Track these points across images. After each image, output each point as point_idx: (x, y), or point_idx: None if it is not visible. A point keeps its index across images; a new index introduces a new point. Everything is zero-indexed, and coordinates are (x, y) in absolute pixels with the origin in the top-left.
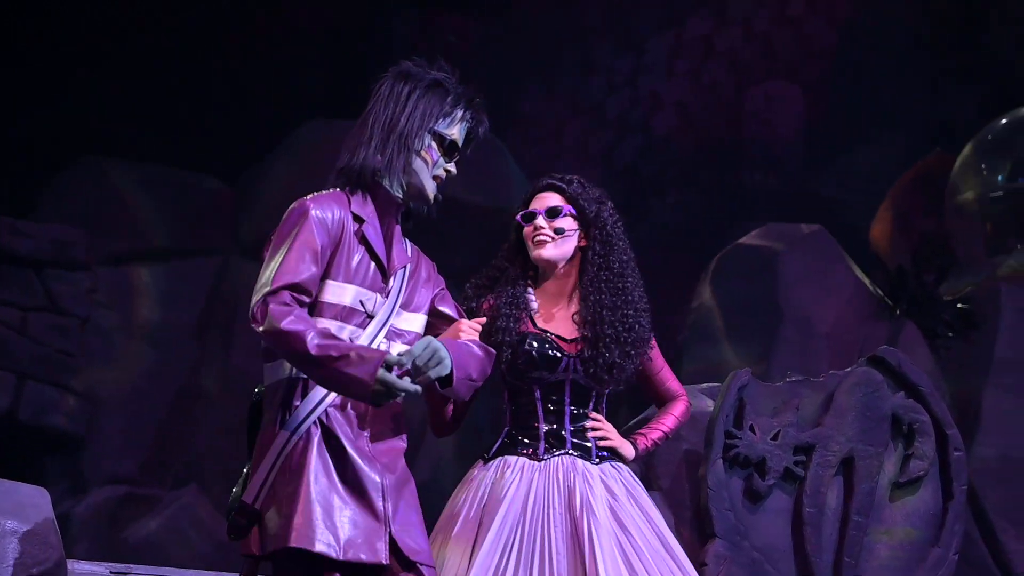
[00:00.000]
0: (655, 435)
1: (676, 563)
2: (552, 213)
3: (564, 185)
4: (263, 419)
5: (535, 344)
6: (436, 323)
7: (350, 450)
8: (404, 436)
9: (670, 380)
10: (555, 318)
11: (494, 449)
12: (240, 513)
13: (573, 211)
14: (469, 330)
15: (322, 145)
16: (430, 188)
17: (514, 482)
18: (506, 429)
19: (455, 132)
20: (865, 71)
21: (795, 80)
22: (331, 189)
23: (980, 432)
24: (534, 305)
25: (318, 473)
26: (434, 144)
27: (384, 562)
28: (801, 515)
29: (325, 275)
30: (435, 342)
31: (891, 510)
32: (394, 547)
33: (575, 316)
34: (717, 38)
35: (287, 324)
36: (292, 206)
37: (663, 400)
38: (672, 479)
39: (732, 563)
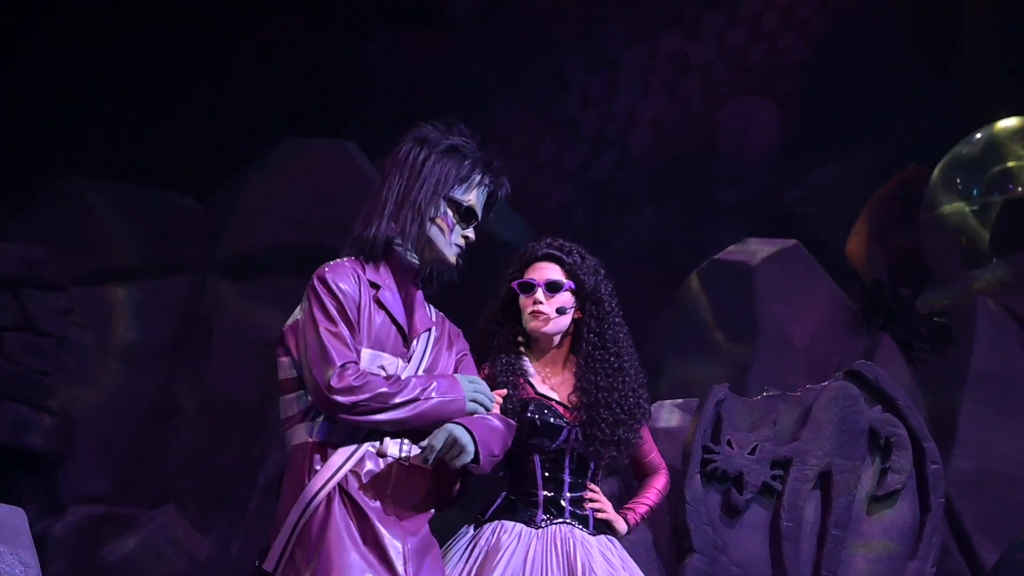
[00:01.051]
0: (642, 510)
1: None
2: (552, 288)
3: (564, 256)
4: (283, 485)
5: (537, 411)
6: None
7: (370, 514)
8: (430, 500)
9: (653, 453)
10: (553, 385)
11: (490, 512)
12: None
13: (572, 285)
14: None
15: (297, 163)
16: (450, 255)
17: (511, 547)
18: (503, 494)
19: (472, 198)
20: (839, 86)
21: (769, 95)
22: (344, 259)
23: (957, 445)
24: (532, 371)
25: (339, 538)
26: (449, 211)
27: None
28: (779, 529)
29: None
30: (455, 430)
31: (869, 523)
32: None
33: (573, 384)
34: (691, 53)
35: (371, 387)
36: (312, 281)
37: (645, 474)
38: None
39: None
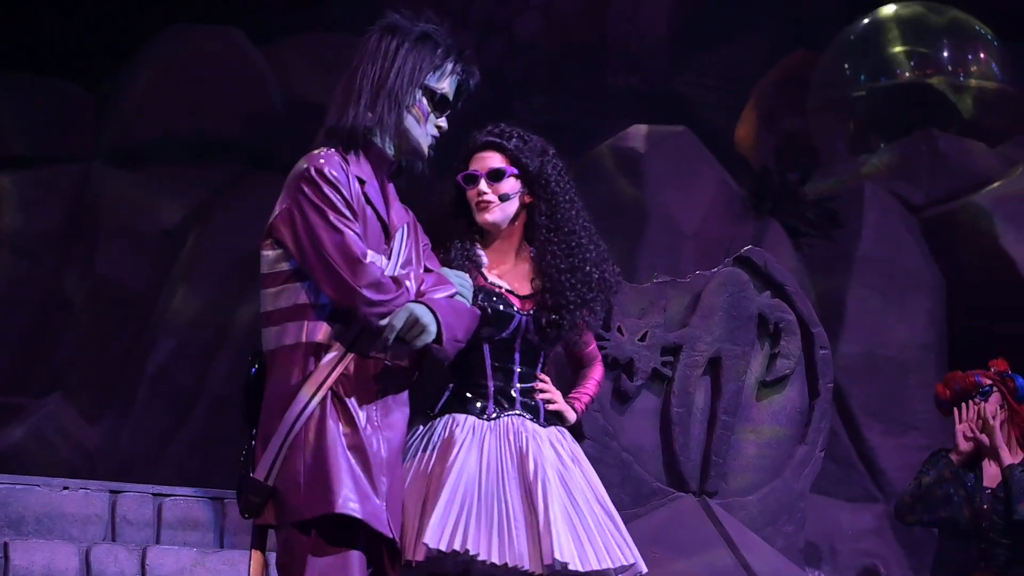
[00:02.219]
0: (585, 399)
1: (619, 533)
2: (495, 176)
3: (505, 142)
4: (268, 388)
5: (487, 300)
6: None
7: (357, 419)
8: (407, 407)
9: (592, 344)
10: (506, 273)
11: (440, 405)
12: (253, 492)
13: (516, 171)
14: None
15: (184, 51)
16: (425, 144)
17: (465, 441)
18: (451, 385)
19: (445, 86)
20: None
21: None
22: (323, 149)
23: (845, 330)
24: (484, 260)
25: (333, 445)
26: (424, 99)
27: (395, 537)
28: (669, 415)
29: None
30: (416, 308)
31: (758, 409)
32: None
33: (528, 273)
34: None
35: (391, 287)
36: (303, 169)
37: (581, 364)
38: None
39: (601, 464)
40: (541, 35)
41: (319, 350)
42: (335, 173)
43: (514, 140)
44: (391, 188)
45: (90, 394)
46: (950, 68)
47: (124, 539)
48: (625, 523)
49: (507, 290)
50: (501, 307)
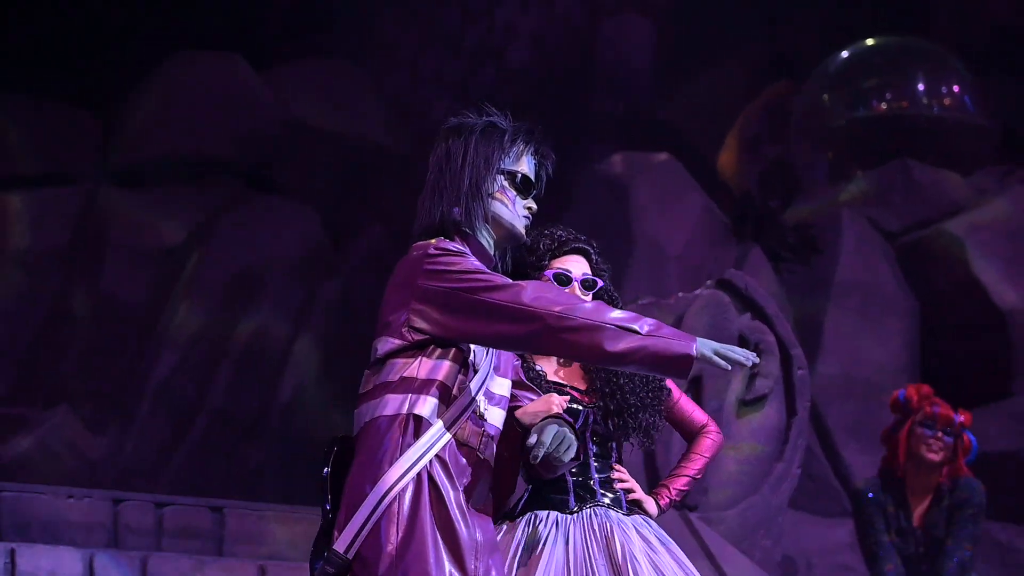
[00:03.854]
0: (679, 485)
1: None
2: (588, 286)
3: (592, 252)
4: (359, 457)
5: (556, 393)
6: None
7: (450, 506)
8: (491, 496)
9: (691, 411)
10: (563, 368)
11: (520, 506)
12: (330, 563)
13: (601, 284)
14: (558, 407)
15: (187, 76)
16: (519, 225)
17: (550, 535)
18: (529, 488)
19: (524, 167)
20: (714, 2)
21: (645, 11)
22: (425, 240)
23: (822, 351)
24: (539, 366)
25: (427, 524)
26: (506, 183)
27: None
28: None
29: None
30: (560, 427)
31: (738, 426)
32: None
33: (582, 373)
34: None
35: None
36: (420, 253)
37: (688, 432)
38: None
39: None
40: (531, 63)
41: (420, 425)
42: (458, 246)
43: (596, 250)
44: None
45: (94, 406)
46: (924, 100)
47: (126, 546)
48: None
49: (571, 387)
50: (571, 402)
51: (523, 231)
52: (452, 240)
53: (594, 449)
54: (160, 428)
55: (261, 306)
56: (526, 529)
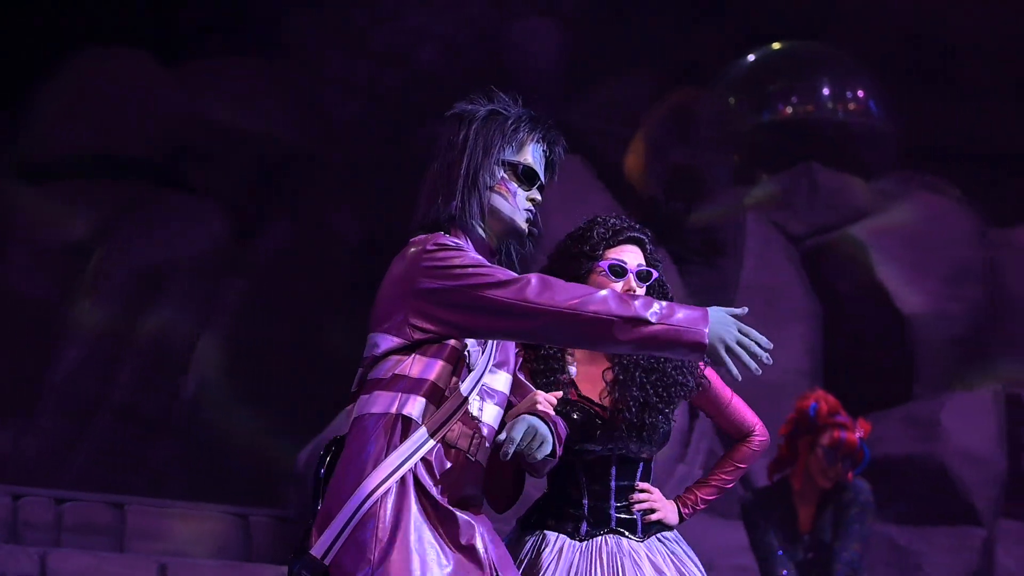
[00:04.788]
0: (705, 494)
1: None
2: (643, 277)
3: (647, 241)
4: (343, 457)
5: (581, 415)
6: (515, 391)
7: (442, 503)
8: (481, 497)
9: (741, 411)
10: (594, 387)
11: (533, 518)
12: (306, 567)
13: (656, 275)
14: (546, 404)
15: (96, 71)
16: (520, 219)
17: (550, 566)
18: (546, 498)
19: (527, 157)
20: (622, 6)
21: (554, 14)
22: (423, 235)
23: None
24: (572, 370)
25: (415, 527)
26: (507, 175)
27: None
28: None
29: None
30: (533, 422)
31: None
32: None
33: (612, 384)
34: None
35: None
36: (417, 250)
37: (734, 434)
38: None
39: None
40: (439, 65)
41: (408, 426)
42: (456, 241)
43: (650, 238)
44: None
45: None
46: (830, 105)
47: (25, 541)
48: None
49: (599, 406)
50: (593, 422)
51: (524, 225)
52: (450, 234)
53: (616, 471)
54: (62, 424)
55: (166, 303)
56: (530, 552)
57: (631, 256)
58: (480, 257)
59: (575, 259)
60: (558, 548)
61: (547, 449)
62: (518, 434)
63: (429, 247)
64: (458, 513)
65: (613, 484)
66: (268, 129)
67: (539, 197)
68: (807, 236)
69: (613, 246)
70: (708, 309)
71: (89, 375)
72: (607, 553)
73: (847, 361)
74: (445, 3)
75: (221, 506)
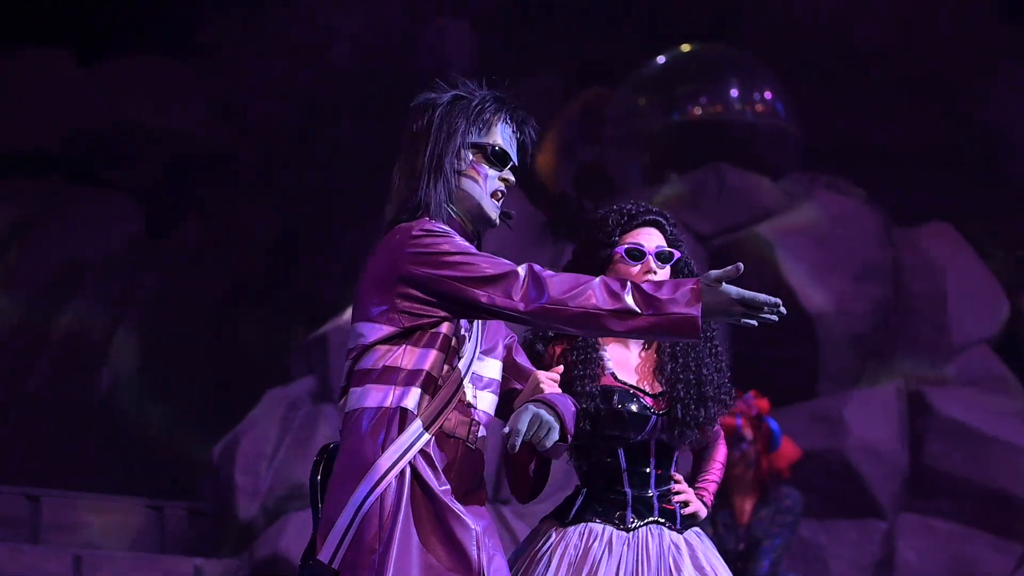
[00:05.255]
0: (712, 488)
1: None
2: (663, 258)
3: (666, 223)
4: (340, 455)
5: (623, 401)
6: (513, 376)
7: (441, 496)
8: (484, 484)
9: (716, 424)
10: (631, 370)
11: (573, 512)
12: (315, 573)
13: (678, 255)
14: (549, 383)
15: (11, 68)
16: (489, 207)
17: (602, 557)
18: (584, 491)
19: (496, 138)
20: (530, 8)
21: (465, 16)
22: (408, 221)
23: None
24: (607, 354)
25: (412, 522)
26: (475, 157)
27: None
28: None
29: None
30: (537, 410)
31: None
32: None
33: (652, 367)
34: None
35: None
36: (403, 234)
37: (703, 444)
38: None
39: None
40: (352, 63)
41: (405, 419)
42: (443, 226)
43: (671, 223)
44: None
45: None
46: (738, 106)
47: None
48: None
49: (639, 389)
50: (635, 408)
51: (493, 213)
52: (433, 220)
53: (655, 460)
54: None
55: (82, 298)
56: (579, 544)
57: (649, 238)
58: (466, 243)
59: (594, 247)
60: (607, 540)
61: (555, 436)
62: (523, 425)
63: (415, 232)
64: (458, 510)
65: (652, 472)
66: (183, 127)
67: (512, 178)
68: (715, 235)
69: (630, 230)
70: (700, 287)
71: (5, 369)
72: (655, 545)
73: (753, 358)
74: (359, 4)
75: (136, 498)
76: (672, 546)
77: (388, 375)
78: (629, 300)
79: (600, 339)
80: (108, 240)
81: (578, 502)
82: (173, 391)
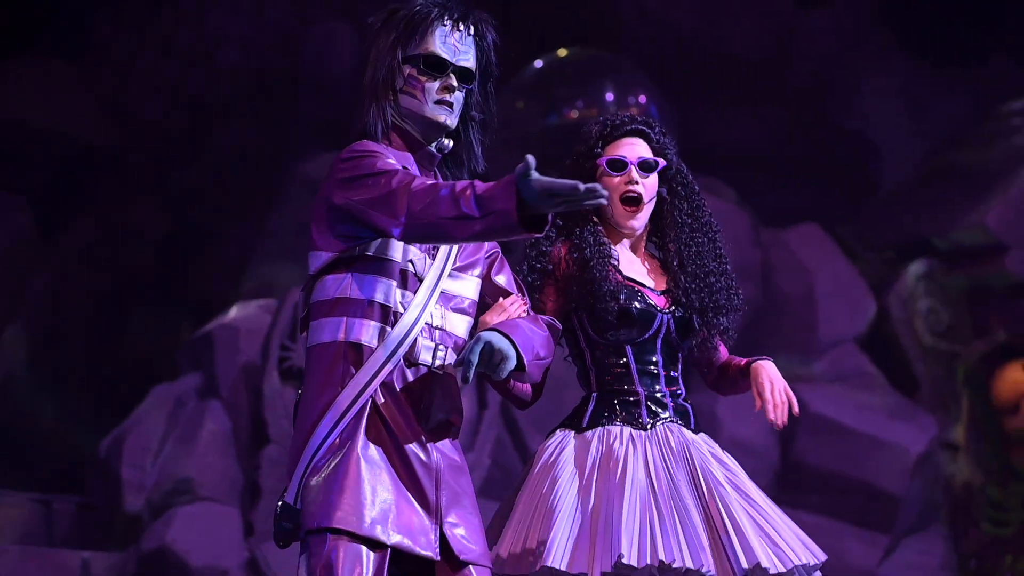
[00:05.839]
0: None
1: (800, 530)
2: (646, 167)
3: (651, 132)
4: (302, 395)
5: (629, 298)
6: (490, 295)
7: (401, 432)
8: (460, 419)
9: (721, 347)
10: (636, 269)
11: (587, 418)
12: (285, 517)
13: (664, 164)
14: (515, 309)
15: None
16: (432, 112)
17: (627, 454)
18: (595, 395)
19: (429, 46)
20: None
21: (351, 19)
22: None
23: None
24: (615, 253)
25: (368, 453)
26: (413, 71)
27: (435, 557)
28: None
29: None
30: (489, 338)
31: None
32: (444, 544)
33: (658, 269)
34: None
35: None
36: (339, 156)
37: (713, 365)
38: (231, 390)
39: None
40: (240, 65)
41: (360, 352)
42: (371, 146)
43: (658, 131)
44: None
45: None
46: (613, 109)
47: None
48: None
49: (646, 286)
50: (642, 305)
51: (442, 116)
52: (387, 137)
53: (662, 359)
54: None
55: None
56: (600, 446)
57: (631, 149)
58: (392, 162)
59: (579, 159)
60: (627, 438)
61: (509, 366)
62: (474, 355)
63: (343, 155)
64: (415, 447)
65: (661, 371)
66: (72, 127)
67: (454, 82)
68: None
69: (612, 141)
70: (515, 179)
71: None
72: (675, 439)
73: None
74: (246, 6)
75: (24, 493)
76: (692, 441)
77: (339, 306)
78: (464, 205)
79: (606, 235)
80: None
81: (590, 407)
82: (62, 387)
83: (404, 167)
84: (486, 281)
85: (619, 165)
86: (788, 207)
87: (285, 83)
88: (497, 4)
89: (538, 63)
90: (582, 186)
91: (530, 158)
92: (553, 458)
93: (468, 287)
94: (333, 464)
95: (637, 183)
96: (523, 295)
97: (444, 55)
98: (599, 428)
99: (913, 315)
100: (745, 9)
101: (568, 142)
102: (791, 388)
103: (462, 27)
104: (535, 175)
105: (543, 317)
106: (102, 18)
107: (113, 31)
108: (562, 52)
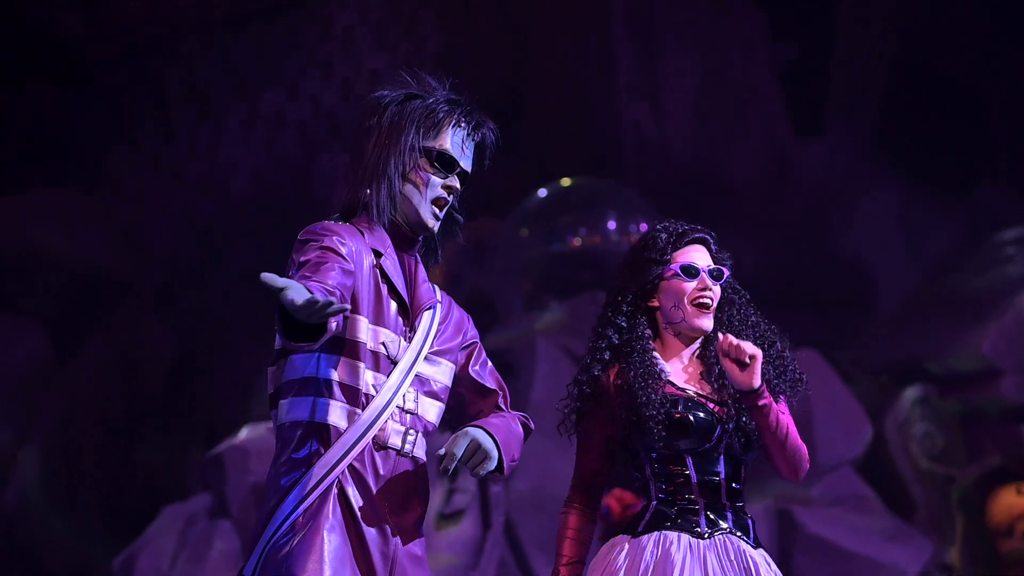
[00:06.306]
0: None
1: None
2: (716, 276)
3: (712, 241)
4: (268, 477)
5: (690, 410)
6: (466, 388)
7: (365, 517)
8: (424, 507)
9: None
10: (691, 378)
11: (643, 524)
12: None
13: (728, 273)
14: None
15: None
16: (426, 213)
17: (685, 560)
18: (653, 504)
19: (444, 143)
20: None
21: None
22: (335, 222)
23: (518, 468)
24: (665, 366)
25: (331, 535)
26: (422, 162)
27: None
28: None
29: (355, 310)
30: (476, 435)
31: (437, 538)
32: None
33: (710, 375)
34: (288, 111)
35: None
36: (301, 234)
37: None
38: (241, 510)
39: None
40: (251, 195)
41: (327, 434)
42: (334, 231)
43: (713, 238)
44: (420, 270)
45: None
46: (615, 237)
47: None
48: None
49: (703, 396)
50: (702, 415)
51: (430, 216)
52: (366, 221)
53: (724, 469)
54: None
55: None
56: (655, 551)
57: (700, 256)
58: (331, 244)
59: (645, 266)
60: (684, 545)
61: (491, 465)
62: (460, 450)
63: (300, 236)
64: (373, 531)
65: (723, 482)
66: (88, 254)
67: (457, 184)
68: None
69: (679, 248)
70: (288, 300)
71: None
72: (735, 553)
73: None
74: (258, 140)
75: None
76: (751, 557)
77: (308, 386)
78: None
79: (655, 350)
80: (14, 361)
81: (647, 516)
82: (75, 506)
83: (334, 250)
84: (462, 372)
85: (692, 272)
86: (787, 333)
87: (293, 211)
88: (505, 136)
89: (542, 192)
90: (322, 300)
91: (265, 276)
92: (608, 563)
93: (442, 373)
94: (295, 543)
95: (710, 289)
96: (503, 391)
97: (455, 155)
98: (655, 533)
99: (909, 439)
100: (743, 139)
101: (572, 268)
102: (788, 509)
103: (474, 133)
104: (288, 295)
105: (518, 414)
106: (118, 152)
107: (128, 163)
108: (566, 181)
